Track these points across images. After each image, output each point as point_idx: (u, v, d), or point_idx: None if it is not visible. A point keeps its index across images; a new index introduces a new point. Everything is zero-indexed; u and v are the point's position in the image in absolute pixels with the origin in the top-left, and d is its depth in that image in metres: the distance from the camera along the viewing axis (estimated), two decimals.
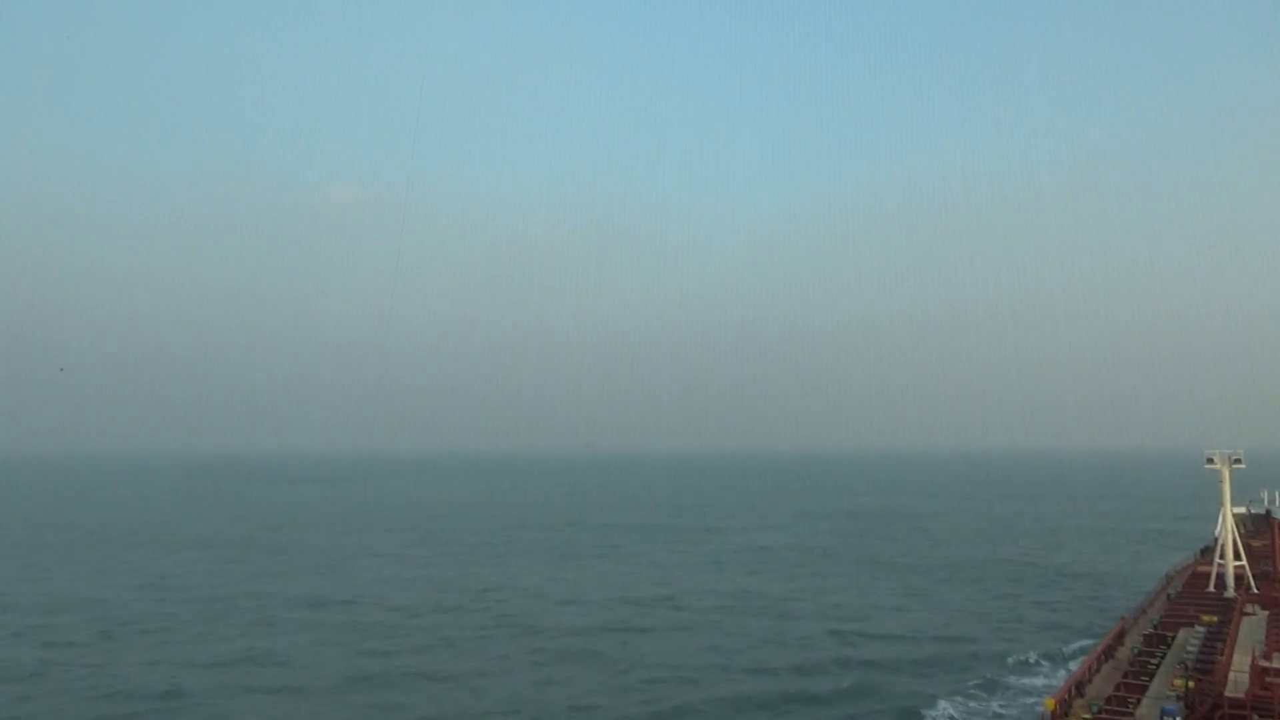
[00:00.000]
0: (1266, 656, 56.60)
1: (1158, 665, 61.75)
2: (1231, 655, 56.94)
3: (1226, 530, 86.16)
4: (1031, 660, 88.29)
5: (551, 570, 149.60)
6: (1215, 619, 73.22)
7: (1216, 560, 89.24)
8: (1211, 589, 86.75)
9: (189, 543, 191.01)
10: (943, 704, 73.39)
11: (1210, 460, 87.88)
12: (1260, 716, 46.49)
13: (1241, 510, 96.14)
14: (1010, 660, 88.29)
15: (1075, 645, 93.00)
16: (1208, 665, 58.18)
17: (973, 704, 73.86)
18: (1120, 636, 71.65)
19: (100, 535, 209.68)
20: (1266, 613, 75.50)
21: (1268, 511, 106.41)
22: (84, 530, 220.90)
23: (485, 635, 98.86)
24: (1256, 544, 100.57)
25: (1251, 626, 69.56)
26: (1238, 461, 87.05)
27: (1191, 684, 53.09)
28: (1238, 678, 51.46)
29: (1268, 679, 50.16)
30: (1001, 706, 73.35)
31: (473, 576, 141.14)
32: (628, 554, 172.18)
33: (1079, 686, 57.50)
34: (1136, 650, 66.42)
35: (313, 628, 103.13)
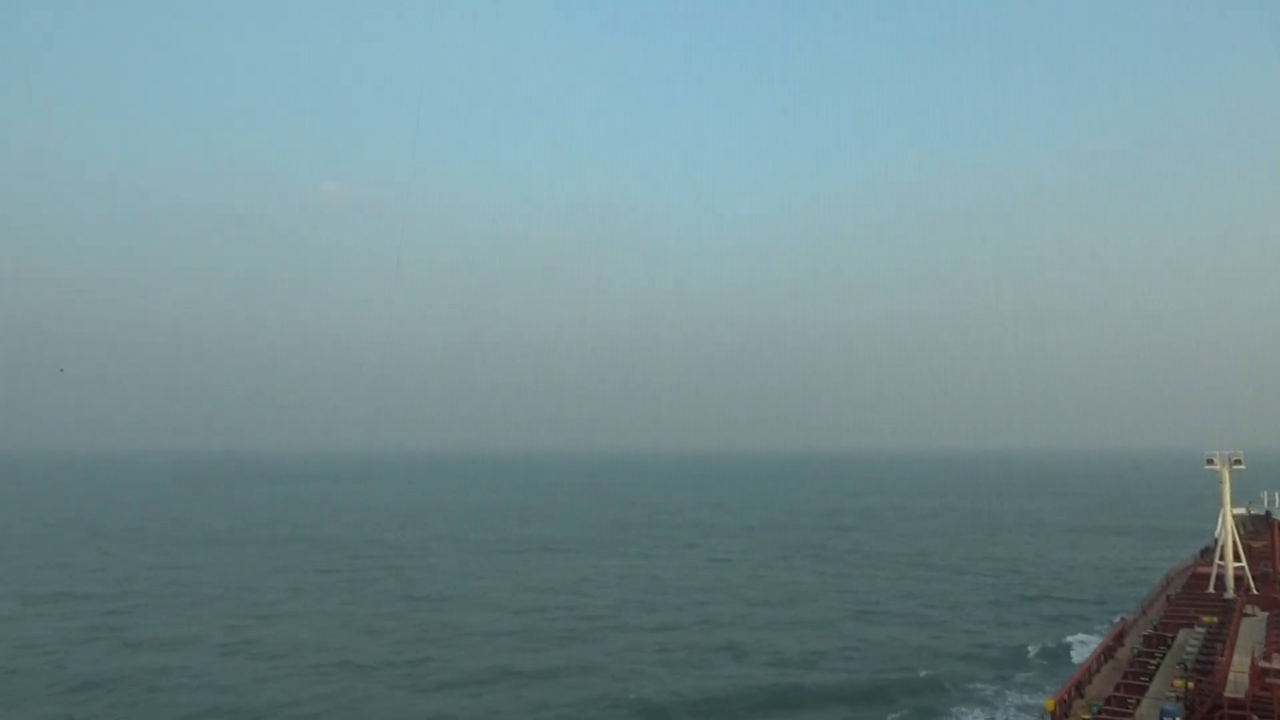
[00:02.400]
0: (1266, 657, 56.60)
1: (1157, 666, 61.79)
2: (1231, 656, 56.95)
3: (1226, 531, 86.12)
4: (981, 687, 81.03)
5: (464, 588, 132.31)
6: (1215, 620, 73.23)
7: (1216, 561, 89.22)
8: (1211, 590, 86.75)
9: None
10: None
11: (1210, 461, 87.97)
12: (1260, 717, 46.52)
13: (1241, 511, 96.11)
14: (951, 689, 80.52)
15: (1023, 674, 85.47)
16: (1207, 666, 58.23)
17: None
18: (1120, 637, 71.70)
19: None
20: (1266, 614, 75.46)
21: (1268, 513, 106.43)
22: None
23: (348, 689, 79.38)
24: (1256, 545, 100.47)
25: (1251, 627, 69.55)
26: (1238, 462, 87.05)
27: (1191, 685, 53.15)
28: (1237, 678, 51.48)
29: (1267, 680, 50.16)
30: None
31: (376, 600, 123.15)
32: (566, 569, 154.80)
33: (1079, 687, 57.54)
34: (1136, 651, 66.46)
35: (105, 688, 78.69)
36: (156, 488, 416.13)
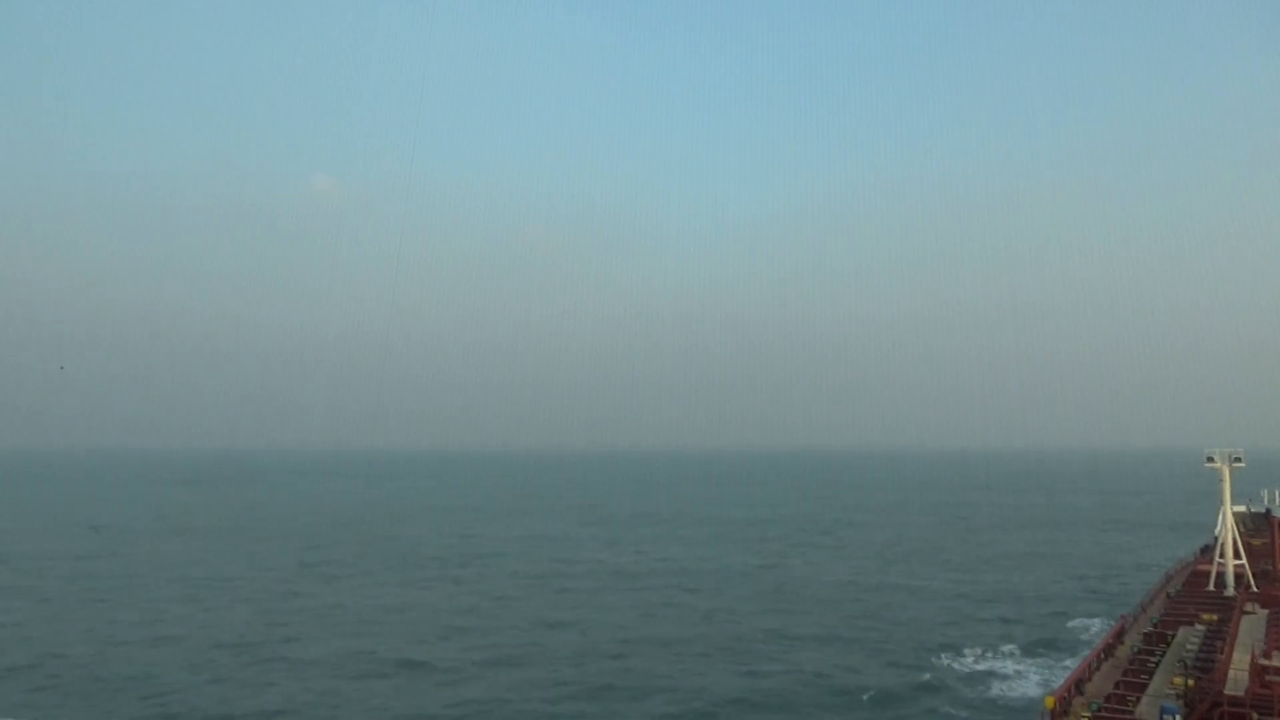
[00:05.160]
0: (1266, 655, 56.52)
1: (1157, 664, 61.71)
2: (1231, 654, 56.90)
3: (1226, 529, 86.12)
4: None
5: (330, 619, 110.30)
6: (1215, 618, 73.20)
7: (1216, 559, 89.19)
8: (1211, 587, 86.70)
9: None
10: None
11: (1210, 459, 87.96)
12: (1260, 715, 46.40)
13: (1241, 509, 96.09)
14: None
15: None
16: (1208, 664, 58.15)
17: None
18: (1120, 635, 71.62)
19: None
20: (1266, 611, 75.44)
21: (1268, 510, 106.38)
22: None
23: None
24: (1256, 543, 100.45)
25: (1251, 625, 69.50)
26: (1238, 460, 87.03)
27: (1191, 682, 53.09)
28: (1238, 676, 51.40)
29: (1268, 677, 50.08)
30: None
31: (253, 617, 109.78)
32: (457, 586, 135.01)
33: (1079, 685, 57.46)
34: (1136, 649, 66.38)
35: None
36: (114, 486, 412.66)
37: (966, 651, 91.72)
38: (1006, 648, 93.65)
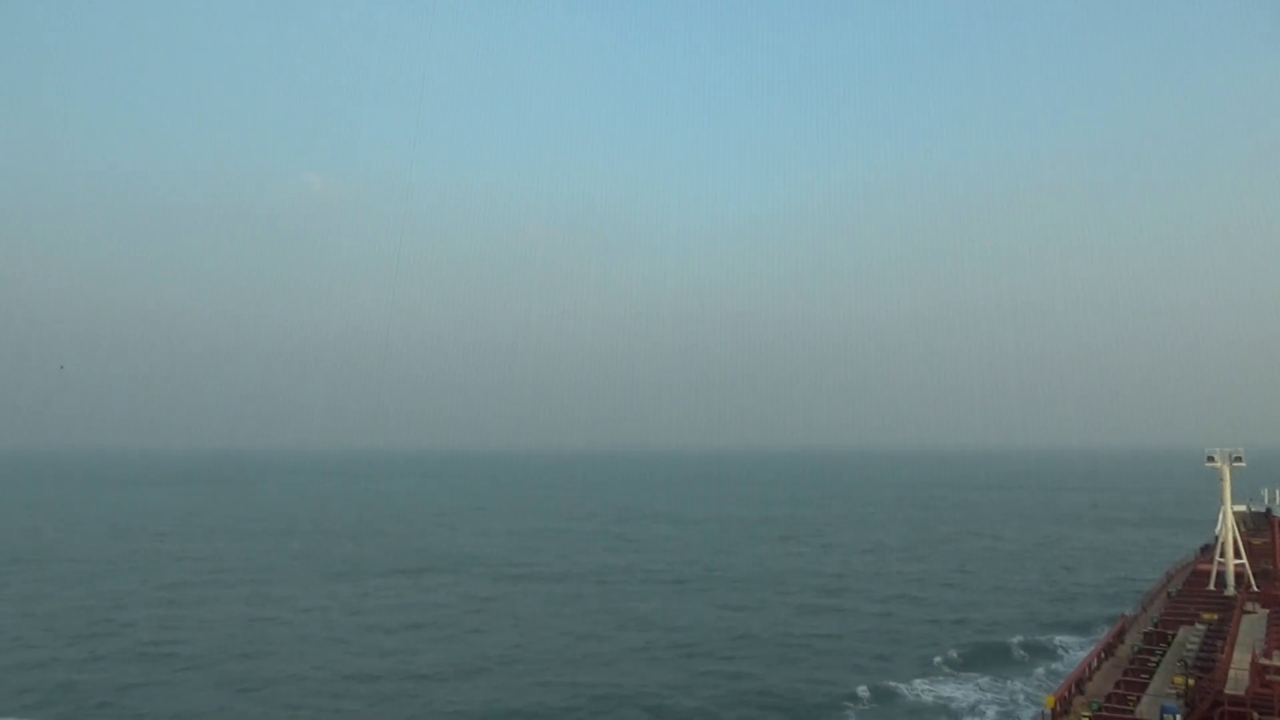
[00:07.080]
0: (1267, 654, 56.55)
1: (1158, 663, 61.74)
2: (1232, 653, 56.95)
3: (1227, 529, 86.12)
4: None
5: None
6: (1215, 617, 73.23)
7: (1217, 558, 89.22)
8: (1212, 587, 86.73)
9: None
10: None
11: (1211, 459, 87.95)
12: (1260, 714, 46.47)
13: (1242, 509, 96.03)
14: None
15: None
16: (1208, 663, 58.16)
17: None
18: (1120, 634, 71.65)
19: None
20: (1267, 611, 75.47)
21: (1268, 510, 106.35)
22: None
23: None
24: (1257, 542, 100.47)
25: (1252, 625, 69.52)
26: (1238, 460, 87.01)
27: (1192, 682, 53.13)
28: (1238, 675, 51.47)
29: (1268, 677, 50.13)
30: None
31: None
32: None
33: (1079, 684, 57.50)
34: (1137, 648, 66.41)
35: None
36: (108, 486, 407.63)
37: (931, 675, 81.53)
38: (967, 673, 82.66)
